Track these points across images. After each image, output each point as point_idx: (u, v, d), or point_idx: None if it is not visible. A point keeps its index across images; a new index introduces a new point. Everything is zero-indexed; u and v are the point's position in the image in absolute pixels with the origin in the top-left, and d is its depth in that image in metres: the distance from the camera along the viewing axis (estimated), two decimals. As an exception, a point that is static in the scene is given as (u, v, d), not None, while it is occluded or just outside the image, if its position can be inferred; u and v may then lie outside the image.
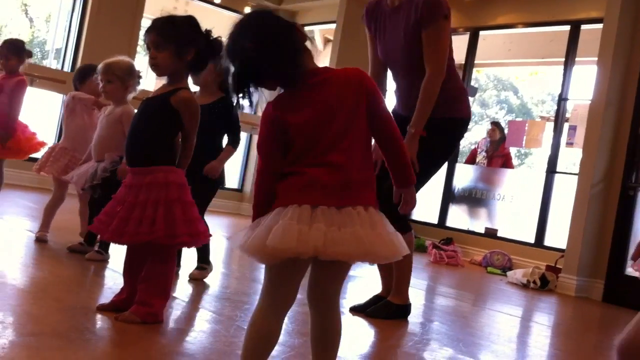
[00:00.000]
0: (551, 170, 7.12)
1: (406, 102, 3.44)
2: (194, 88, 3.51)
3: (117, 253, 3.58)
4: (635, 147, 5.90)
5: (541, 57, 9.40)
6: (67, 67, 8.23)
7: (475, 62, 8.33)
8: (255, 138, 8.27)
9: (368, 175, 1.75)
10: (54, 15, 9.98)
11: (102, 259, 3.70)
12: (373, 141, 1.81)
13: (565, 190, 6.73)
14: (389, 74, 3.58)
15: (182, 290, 3.36)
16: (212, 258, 3.76)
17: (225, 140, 3.74)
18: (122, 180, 2.68)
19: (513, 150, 9.30)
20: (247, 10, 9.60)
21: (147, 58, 2.58)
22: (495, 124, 8.51)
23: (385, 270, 3.50)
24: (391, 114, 1.83)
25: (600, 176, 5.97)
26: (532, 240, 7.08)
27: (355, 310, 3.39)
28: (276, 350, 2.38)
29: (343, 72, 1.76)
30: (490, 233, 7.58)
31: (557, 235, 6.76)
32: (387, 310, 3.36)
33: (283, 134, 1.71)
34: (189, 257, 3.77)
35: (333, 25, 8.64)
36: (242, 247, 1.67)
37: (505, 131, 8.42)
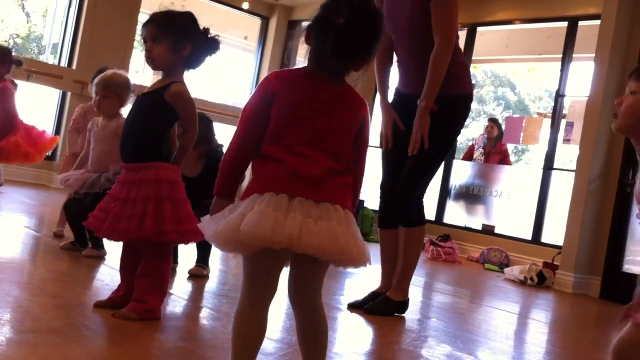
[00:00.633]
0: (548, 166, 7.12)
1: (408, 74, 3.43)
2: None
3: (114, 249, 3.57)
4: (632, 144, 5.89)
5: (538, 54, 9.39)
6: (63, 62, 8.21)
7: (473, 58, 8.33)
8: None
9: (347, 180, 1.73)
10: (50, 10, 9.95)
11: (99, 255, 3.69)
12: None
13: (563, 187, 6.74)
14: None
15: (180, 287, 3.35)
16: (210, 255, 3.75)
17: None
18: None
19: (510, 147, 9.31)
20: (245, 5, 9.58)
21: (143, 53, 2.57)
22: (493, 121, 8.50)
23: (388, 266, 3.49)
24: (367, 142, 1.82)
25: (598, 173, 5.98)
26: (529, 237, 7.09)
27: (353, 306, 3.38)
28: (274, 347, 2.39)
29: (355, 93, 1.76)
30: (488, 230, 7.59)
31: (554, 232, 6.76)
32: (386, 307, 3.36)
33: (269, 107, 1.68)
34: (188, 255, 3.77)
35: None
36: (213, 236, 1.63)
37: (503, 127, 8.42)
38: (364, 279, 4.49)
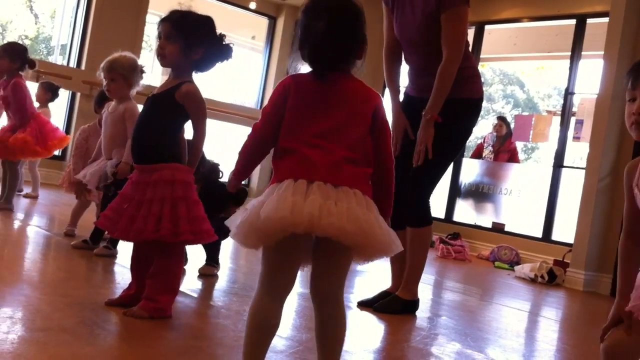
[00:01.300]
0: (558, 164, 7.10)
1: (417, 80, 3.45)
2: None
3: (125, 248, 3.58)
4: (642, 141, 5.88)
5: (547, 51, 9.37)
6: (72, 63, 8.24)
7: (481, 56, 8.32)
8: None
9: (366, 170, 1.74)
10: (59, 11, 9.99)
11: (111, 254, 3.70)
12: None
13: (573, 185, 6.72)
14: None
15: (190, 285, 3.36)
16: (220, 253, 3.75)
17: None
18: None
19: (519, 145, 9.28)
20: (252, 5, 9.58)
21: (151, 54, 2.57)
22: (502, 119, 8.48)
23: (398, 267, 3.49)
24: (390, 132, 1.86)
25: (608, 170, 5.95)
26: (539, 234, 7.07)
27: (363, 305, 3.38)
28: (284, 345, 2.39)
29: (366, 88, 1.79)
30: (498, 228, 7.57)
31: (565, 230, 6.74)
32: (395, 305, 3.36)
33: (285, 104, 1.73)
34: (197, 253, 3.77)
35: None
36: (235, 228, 1.66)
37: (512, 125, 8.40)
38: (374, 277, 4.49)
